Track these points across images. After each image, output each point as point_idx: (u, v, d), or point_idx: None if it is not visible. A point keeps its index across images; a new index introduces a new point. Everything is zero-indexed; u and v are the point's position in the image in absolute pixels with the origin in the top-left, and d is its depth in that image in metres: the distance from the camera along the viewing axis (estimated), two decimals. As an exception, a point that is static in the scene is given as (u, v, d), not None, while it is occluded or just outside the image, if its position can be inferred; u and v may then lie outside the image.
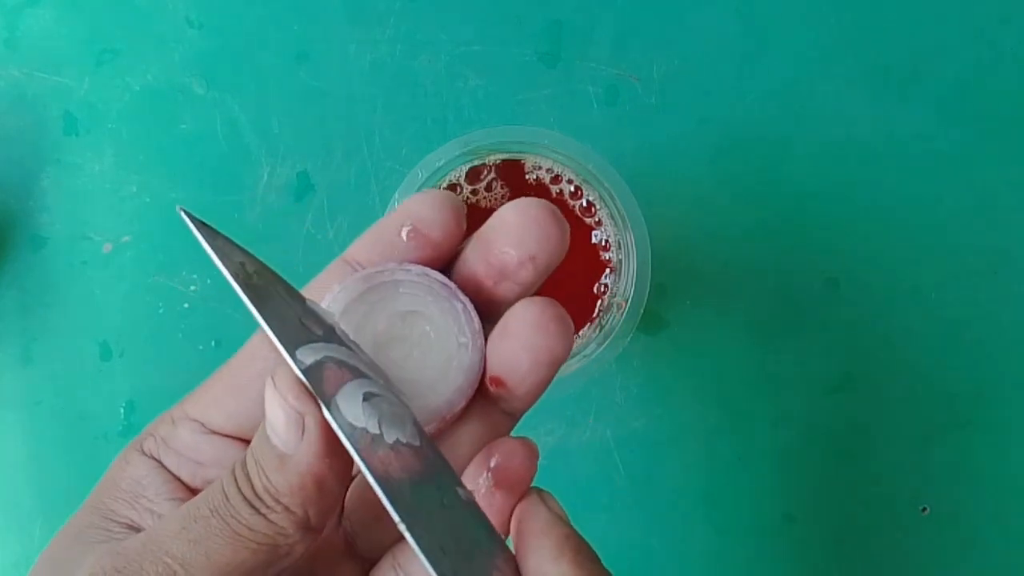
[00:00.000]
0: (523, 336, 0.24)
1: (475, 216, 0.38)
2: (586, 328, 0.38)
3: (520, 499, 0.24)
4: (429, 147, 0.37)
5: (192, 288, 0.45)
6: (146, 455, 0.25)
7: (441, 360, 0.24)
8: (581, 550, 0.22)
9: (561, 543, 0.22)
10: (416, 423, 0.23)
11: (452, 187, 0.38)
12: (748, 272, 0.45)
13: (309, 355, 0.21)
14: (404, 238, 0.25)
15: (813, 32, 0.45)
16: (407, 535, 0.20)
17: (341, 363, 0.22)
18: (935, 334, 0.44)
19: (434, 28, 0.45)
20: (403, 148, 0.45)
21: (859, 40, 0.45)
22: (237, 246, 0.23)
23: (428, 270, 0.25)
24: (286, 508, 0.21)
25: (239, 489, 0.22)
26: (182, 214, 0.22)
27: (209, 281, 0.45)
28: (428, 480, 0.22)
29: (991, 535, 0.44)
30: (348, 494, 0.26)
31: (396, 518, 0.20)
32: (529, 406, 0.25)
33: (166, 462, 0.25)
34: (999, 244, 0.45)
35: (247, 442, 0.25)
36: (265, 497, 0.21)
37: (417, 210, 0.25)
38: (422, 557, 0.20)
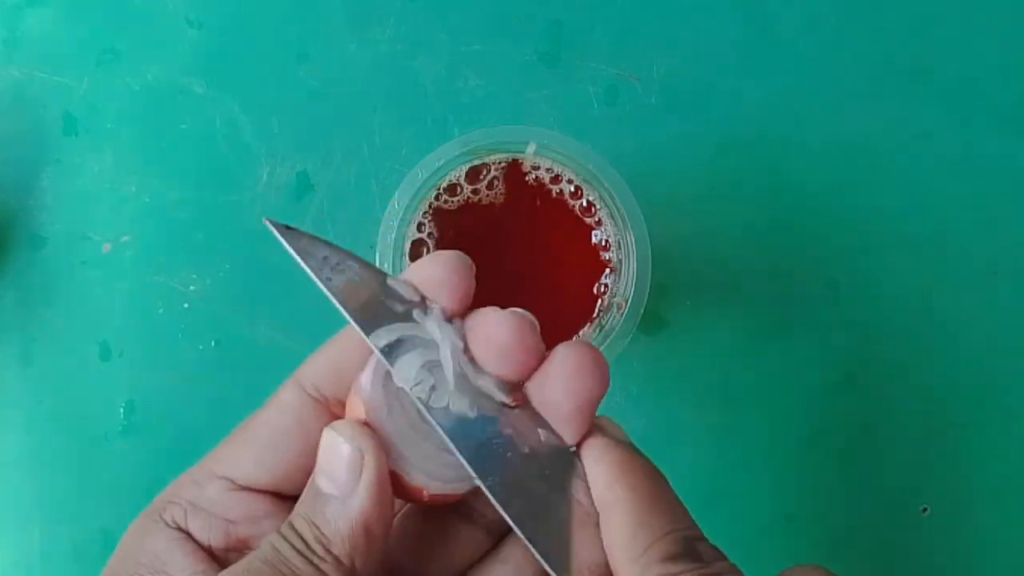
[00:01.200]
0: (563, 381, 0.24)
1: (475, 214, 0.38)
2: (586, 328, 0.38)
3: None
4: (429, 147, 0.37)
5: (192, 288, 0.45)
6: (168, 525, 0.25)
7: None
8: (634, 473, 0.23)
9: (615, 469, 0.23)
10: (498, 387, 0.25)
11: (452, 187, 0.38)
12: (748, 272, 0.45)
13: (384, 336, 0.24)
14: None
15: (813, 32, 0.45)
16: (479, 482, 0.23)
17: (411, 338, 0.24)
18: (935, 334, 0.44)
19: (434, 28, 0.45)
20: (403, 148, 0.45)
21: (859, 40, 0.45)
22: (320, 241, 0.25)
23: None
24: (336, 559, 0.22)
25: (291, 544, 0.22)
26: (267, 224, 0.24)
27: (209, 281, 0.45)
28: (502, 433, 0.24)
29: (991, 535, 0.44)
30: (395, 528, 0.27)
31: (469, 470, 0.23)
32: (575, 443, 0.25)
33: (193, 527, 0.25)
34: (999, 244, 0.45)
35: (279, 496, 0.26)
36: (316, 548, 0.22)
37: (426, 276, 0.25)
38: (492, 500, 0.23)
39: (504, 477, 0.23)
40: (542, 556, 0.23)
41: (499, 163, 0.38)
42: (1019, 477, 0.44)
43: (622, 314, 0.37)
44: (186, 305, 0.45)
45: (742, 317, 0.45)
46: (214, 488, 0.25)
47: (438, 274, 0.25)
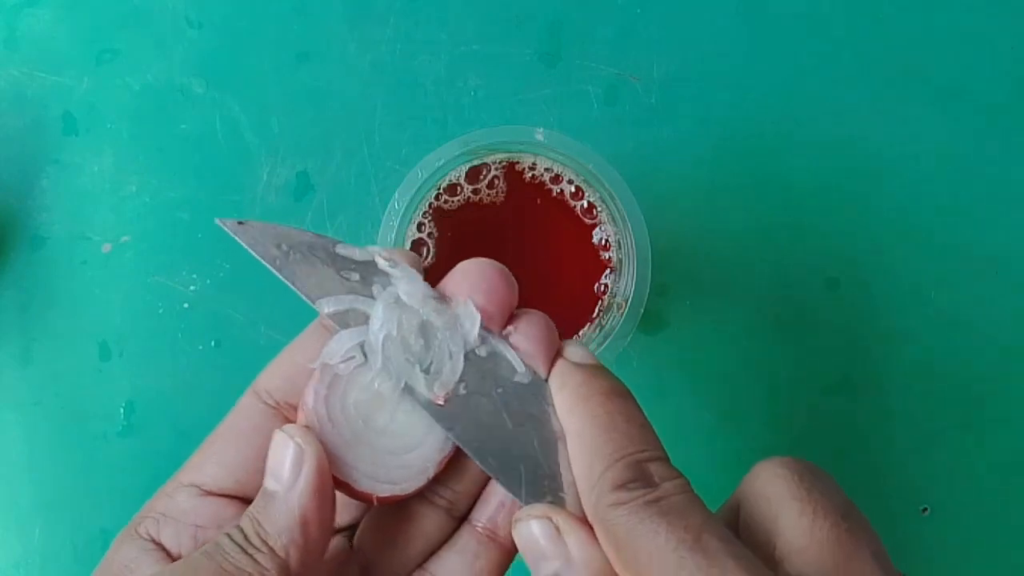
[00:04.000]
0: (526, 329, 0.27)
1: (475, 214, 0.38)
2: (586, 328, 0.38)
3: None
4: (429, 147, 0.37)
5: (192, 288, 0.45)
6: (142, 537, 0.26)
7: (425, 414, 0.26)
8: (592, 398, 0.25)
9: (574, 395, 0.25)
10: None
11: (452, 187, 0.38)
12: (748, 272, 0.45)
13: (331, 305, 0.26)
14: None
15: (813, 32, 0.45)
16: (449, 435, 0.26)
17: (357, 312, 0.26)
18: (935, 334, 0.44)
19: (434, 28, 0.45)
20: (403, 148, 0.45)
21: (859, 40, 0.45)
22: (271, 226, 0.27)
23: None
24: (272, 550, 0.23)
25: (232, 538, 0.24)
26: (220, 224, 0.27)
27: (209, 281, 0.45)
28: (467, 381, 0.26)
29: (991, 535, 0.44)
30: (362, 525, 0.28)
31: (432, 416, 0.26)
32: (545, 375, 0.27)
33: (164, 537, 0.26)
34: (999, 244, 0.45)
35: (243, 500, 0.27)
36: (254, 539, 0.24)
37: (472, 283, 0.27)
38: (461, 446, 0.26)
39: (469, 423, 0.26)
40: (504, 486, 0.25)
41: (499, 163, 0.38)
42: (1019, 477, 0.44)
43: (622, 314, 0.37)
44: (186, 305, 0.45)
45: (742, 317, 0.45)
46: (183, 496, 0.27)
47: (486, 284, 0.27)
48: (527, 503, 0.25)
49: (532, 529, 0.24)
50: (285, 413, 0.27)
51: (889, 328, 0.45)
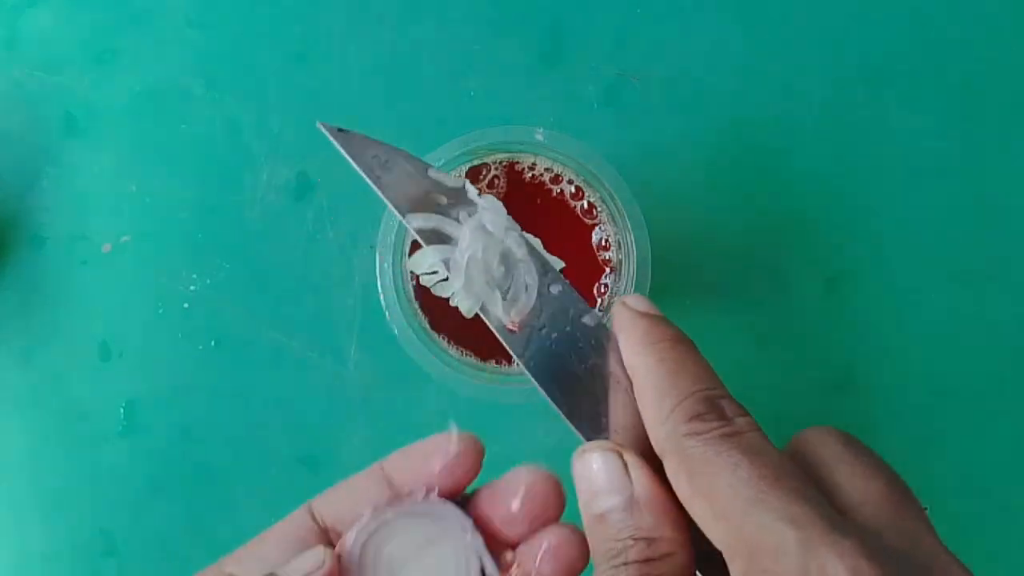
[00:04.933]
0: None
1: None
2: (586, 328, 0.38)
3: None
4: (429, 147, 0.37)
5: (192, 288, 0.45)
6: None
7: (452, 568, 0.27)
8: (660, 341, 0.25)
9: (641, 339, 0.26)
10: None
11: (452, 187, 0.38)
12: (748, 272, 0.45)
13: (419, 221, 0.28)
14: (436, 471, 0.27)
15: (813, 32, 0.45)
16: (518, 361, 0.27)
17: (444, 233, 0.28)
18: (936, 334, 0.44)
19: (434, 28, 0.45)
20: (403, 148, 0.45)
21: (860, 41, 0.45)
22: (370, 140, 0.29)
23: (450, 506, 0.27)
24: None
25: None
26: (321, 127, 0.28)
27: (209, 281, 0.45)
28: (539, 319, 0.28)
29: (991, 535, 0.44)
30: None
31: (509, 349, 0.27)
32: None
33: None
34: (999, 244, 0.45)
35: None
36: None
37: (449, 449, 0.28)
38: (528, 375, 0.27)
39: (539, 352, 0.27)
40: (567, 418, 0.26)
41: (499, 163, 0.38)
42: (1019, 477, 0.44)
43: (622, 314, 0.37)
44: (186, 305, 0.45)
45: (742, 317, 0.45)
46: None
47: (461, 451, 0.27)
48: (589, 439, 0.26)
49: (594, 462, 0.25)
50: (331, 537, 0.28)
51: (889, 328, 0.45)
